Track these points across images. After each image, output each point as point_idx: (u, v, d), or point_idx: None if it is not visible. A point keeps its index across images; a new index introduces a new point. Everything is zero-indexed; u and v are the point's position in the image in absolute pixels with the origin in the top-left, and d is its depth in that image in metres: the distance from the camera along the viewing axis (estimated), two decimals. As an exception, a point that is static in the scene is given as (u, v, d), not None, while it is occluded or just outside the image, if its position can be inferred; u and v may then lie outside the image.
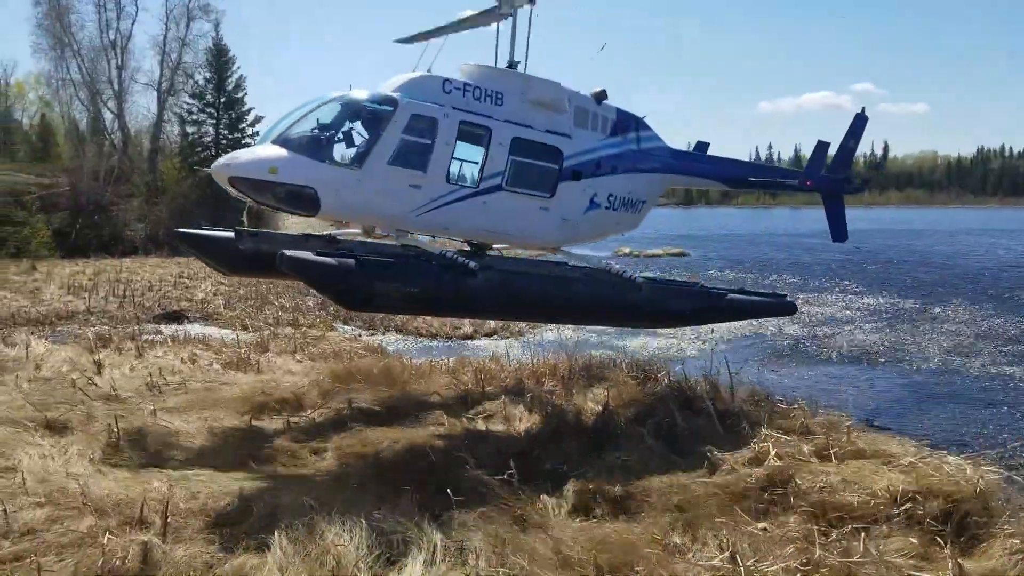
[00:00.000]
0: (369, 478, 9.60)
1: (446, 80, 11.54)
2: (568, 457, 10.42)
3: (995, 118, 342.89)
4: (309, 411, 12.71)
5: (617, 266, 13.14)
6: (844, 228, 15.80)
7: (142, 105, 69.85)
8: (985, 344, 21.04)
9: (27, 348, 16.80)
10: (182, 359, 16.40)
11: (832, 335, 22.55)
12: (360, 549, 7.43)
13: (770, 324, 22.78)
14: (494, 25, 12.52)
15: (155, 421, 11.76)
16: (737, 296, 14.07)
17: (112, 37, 56.60)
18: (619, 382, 13.95)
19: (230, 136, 56.83)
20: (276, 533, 7.62)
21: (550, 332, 21.67)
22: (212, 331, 21.61)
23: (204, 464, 10.14)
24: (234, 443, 11.10)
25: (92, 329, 20.77)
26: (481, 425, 12.11)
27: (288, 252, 9.66)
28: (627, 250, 49.57)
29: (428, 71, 11.66)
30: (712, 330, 21.45)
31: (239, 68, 58.20)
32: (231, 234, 13.19)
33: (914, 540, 8.01)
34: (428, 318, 22.02)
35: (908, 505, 8.62)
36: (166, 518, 7.96)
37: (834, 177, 15.85)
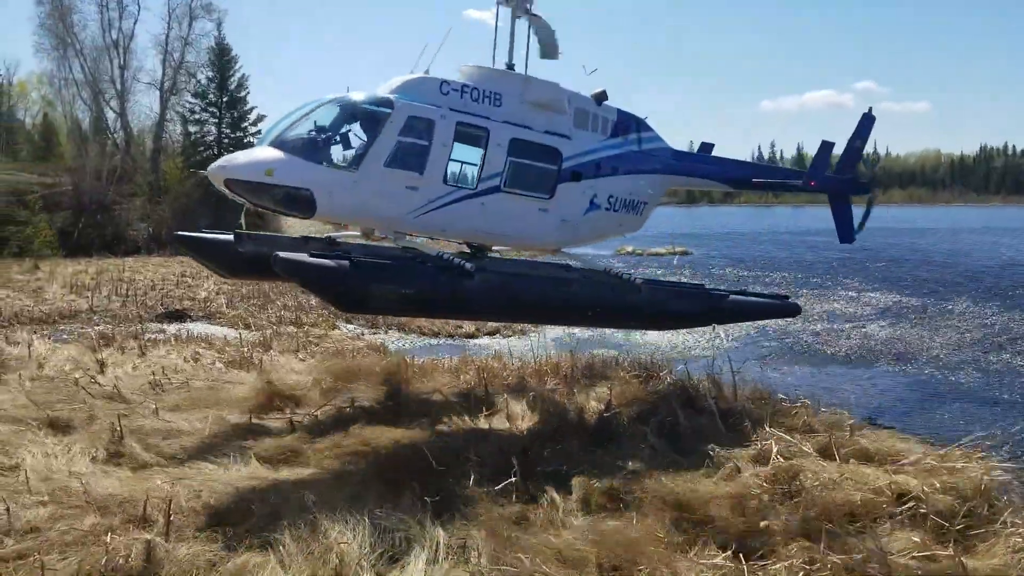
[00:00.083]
0: (371, 476, 9.59)
1: (444, 81, 11.52)
2: (570, 455, 10.41)
3: (998, 116, 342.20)
4: (311, 410, 12.71)
5: (618, 267, 13.08)
6: (851, 229, 15.36)
7: (144, 104, 70.44)
8: (988, 342, 21.00)
9: (30, 347, 16.85)
10: (185, 358, 16.45)
11: (835, 333, 22.51)
12: (363, 547, 7.43)
13: (772, 323, 22.72)
14: (494, 25, 12.51)
15: (158, 420, 11.80)
16: (739, 297, 13.98)
17: (114, 36, 56.99)
18: (622, 380, 13.93)
19: (232, 135, 56.93)
20: (279, 531, 7.63)
21: (553, 330, 21.67)
22: (215, 330, 21.65)
23: (207, 463, 10.14)
24: (237, 442, 11.10)
25: (95, 328, 20.88)
26: (483, 423, 12.10)
27: (282, 254, 9.63)
28: (630, 248, 49.53)
29: (426, 72, 11.65)
30: (714, 328, 21.39)
31: (241, 67, 58.42)
32: (230, 237, 13.17)
33: (917, 538, 7.98)
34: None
35: (911, 503, 8.63)
36: (169, 517, 7.96)
37: (840, 177, 15.49)
